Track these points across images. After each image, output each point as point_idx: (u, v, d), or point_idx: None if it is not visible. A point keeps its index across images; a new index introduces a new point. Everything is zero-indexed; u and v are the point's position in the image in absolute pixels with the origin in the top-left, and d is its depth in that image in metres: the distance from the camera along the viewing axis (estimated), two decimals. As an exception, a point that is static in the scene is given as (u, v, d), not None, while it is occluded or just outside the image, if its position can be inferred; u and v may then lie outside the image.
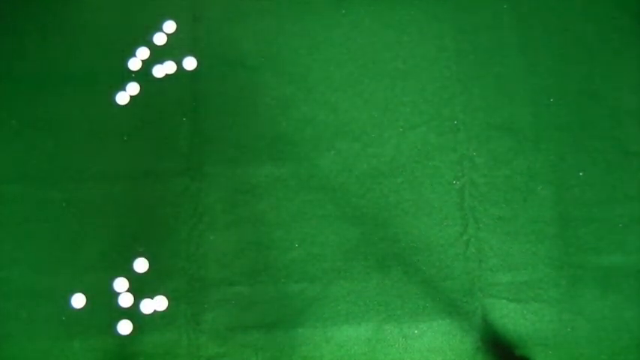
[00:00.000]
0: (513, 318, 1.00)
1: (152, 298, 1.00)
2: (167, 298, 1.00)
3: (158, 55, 1.08)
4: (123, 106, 1.07)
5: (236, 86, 1.07)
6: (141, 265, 1.01)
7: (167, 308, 1.00)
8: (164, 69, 1.08)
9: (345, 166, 1.04)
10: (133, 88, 1.07)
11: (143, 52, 1.08)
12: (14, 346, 0.98)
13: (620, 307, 1.00)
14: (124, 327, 0.98)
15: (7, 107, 1.06)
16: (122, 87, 1.07)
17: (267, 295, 1.00)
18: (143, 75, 1.08)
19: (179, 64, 1.08)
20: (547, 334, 0.99)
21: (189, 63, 1.08)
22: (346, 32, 1.09)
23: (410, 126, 1.06)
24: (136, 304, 1.00)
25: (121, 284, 1.00)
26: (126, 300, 1.00)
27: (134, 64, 1.08)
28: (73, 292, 0.99)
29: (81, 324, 0.99)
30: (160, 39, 1.09)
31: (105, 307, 1.00)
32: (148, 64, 1.08)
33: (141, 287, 1.00)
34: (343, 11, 1.10)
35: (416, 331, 0.99)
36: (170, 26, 1.09)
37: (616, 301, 1.00)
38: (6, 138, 1.05)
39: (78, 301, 0.99)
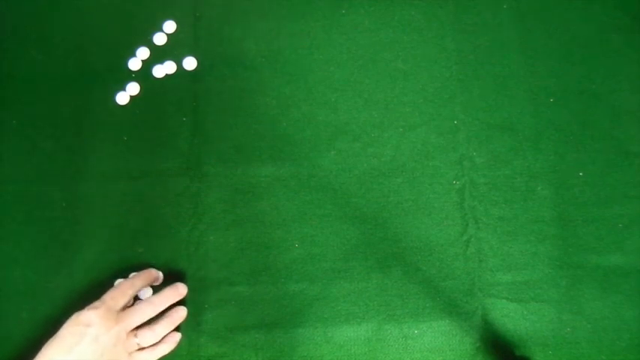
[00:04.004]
0: (513, 318, 1.00)
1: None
2: (167, 298, 1.00)
3: (158, 55, 1.09)
4: (123, 106, 1.07)
5: (236, 86, 1.07)
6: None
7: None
8: (164, 69, 1.08)
9: (345, 166, 1.04)
10: (133, 88, 1.07)
11: (143, 52, 1.08)
12: (14, 346, 0.98)
13: (620, 307, 1.00)
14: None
15: (7, 107, 1.06)
16: (122, 87, 1.07)
17: (267, 295, 1.00)
18: (143, 75, 1.08)
19: (179, 64, 1.08)
20: (547, 334, 0.99)
21: (189, 63, 1.08)
22: (346, 32, 1.09)
23: (410, 126, 1.06)
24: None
25: (121, 284, 1.00)
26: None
27: (134, 64, 1.08)
28: (73, 292, 0.99)
29: (81, 324, 0.99)
30: (159, 39, 1.09)
31: (105, 307, 1.00)
32: (148, 64, 1.08)
33: (141, 287, 1.01)
34: (343, 11, 1.10)
35: (416, 331, 0.99)
36: (170, 26, 1.10)
37: (616, 301, 1.00)
38: (6, 138, 1.05)
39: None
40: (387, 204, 1.03)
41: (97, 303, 0.88)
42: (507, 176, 1.04)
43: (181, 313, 0.97)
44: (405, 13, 1.10)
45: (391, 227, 1.02)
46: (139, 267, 1.01)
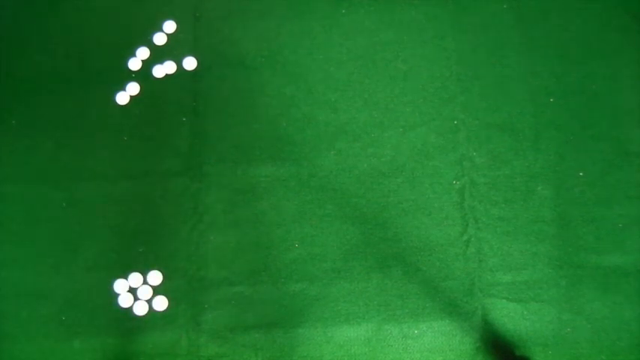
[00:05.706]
0: (513, 318, 1.00)
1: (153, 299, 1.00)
2: (167, 298, 1.00)
3: (158, 55, 1.09)
4: (123, 106, 1.07)
5: (236, 86, 1.07)
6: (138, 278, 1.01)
7: (167, 308, 1.00)
8: (164, 69, 1.08)
9: (345, 166, 1.04)
10: (133, 88, 1.07)
11: (143, 52, 1.08)
12: (14, 346, 0.98)
13: (620, 307, 1.00)
14: None
15: (7, 107, 1.06)
16: (122, 87, 1.07)
17: (267, 295, 1.00)
18: (143, 75, 1.08)
19: (179, 64, 1.08)
20: (547, 334, 0.99)
21: (189, 63, 1.08)
22: (346, 32, 1.09)
23: (410, 126, 1.06)
24: (136, 304, 1.00)
25: (121, 284, 1.00)
26: (126, 300, 1.00)
27: (134, 64, 1.08)
28: (73, 292, 0.99)
29: (81, 324, 0.99)
30: (160, 39, 1.09)
31: (105, 307, 1.00)
32: (148, 64, 1.08)
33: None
34: (343, 11, 1.10)
35: (416, 331, 0.99)
36: (170, 26, 1.10)
37: (616, 301, 1.00)
38: (6, 138, 1.05)
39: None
40: (387, 204, 1.03)
41: None
42: (507, 176, 1.04)
43: None
44: (405, 13, 1.10)
45: (391, 227, 1.02)
46: (139, 267, 1.01)
